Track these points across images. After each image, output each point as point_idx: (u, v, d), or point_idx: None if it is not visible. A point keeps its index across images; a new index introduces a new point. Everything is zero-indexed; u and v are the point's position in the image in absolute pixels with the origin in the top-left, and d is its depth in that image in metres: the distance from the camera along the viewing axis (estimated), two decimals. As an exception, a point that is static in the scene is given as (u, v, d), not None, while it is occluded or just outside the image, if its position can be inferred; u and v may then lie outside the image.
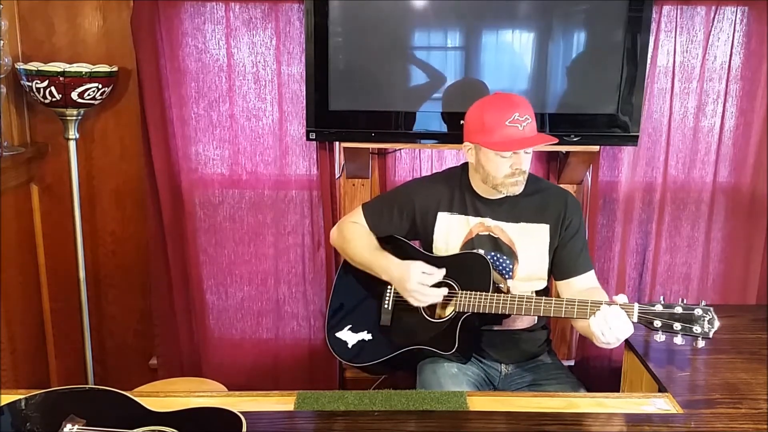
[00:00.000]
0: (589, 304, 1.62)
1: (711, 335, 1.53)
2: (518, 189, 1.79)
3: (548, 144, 1.77)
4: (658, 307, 1.56)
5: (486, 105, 1.78)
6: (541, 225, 1.85)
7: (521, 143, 1.72)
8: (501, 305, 1.73)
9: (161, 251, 2.48)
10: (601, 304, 1.59)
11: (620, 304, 1.58)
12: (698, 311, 1.54)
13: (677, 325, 1.54)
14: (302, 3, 2.22)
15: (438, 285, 1.82)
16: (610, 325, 1.56)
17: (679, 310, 1.55)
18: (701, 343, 1.55)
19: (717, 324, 1.54)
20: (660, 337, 1.56)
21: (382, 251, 1.90)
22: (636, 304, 1.58)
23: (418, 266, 1.80)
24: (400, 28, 2.20)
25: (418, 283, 1.77)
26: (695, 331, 1.53)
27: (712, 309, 1.54)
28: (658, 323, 1.55)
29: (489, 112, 1.74)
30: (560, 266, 1.86)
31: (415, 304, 1.80)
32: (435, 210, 1.90)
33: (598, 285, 1.85)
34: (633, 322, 1.57)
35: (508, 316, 1.85)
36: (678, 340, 1.55)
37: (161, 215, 2.44)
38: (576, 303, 1.64)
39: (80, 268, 2.49)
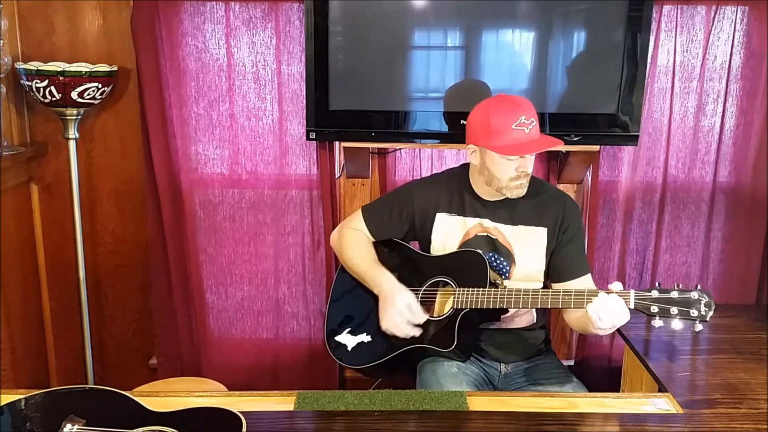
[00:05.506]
0: (585, 294, 1.63)
1: (708, 318, 1.54)
2: (522, 192, 1.79)
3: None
4: (654, 293, 1.57)
5: (492, 108, 1.76)
6: (539, 228, 1.85)
7: (529, 147, 1.72)
8: (498, 300, 1.73)
9: (161, 251, 2.48)
10: (598, 292, 1.60)
11: (616, 292, 1.59)
12: (694, 294, 1.55)
13: (674, 310, 1.55)
14: (302, 3, 2.21)
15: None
16: (608, 311, 1.56)
17: (675, 294, 1.56)
18: (699, 327, 1.56)
19: (714, 307, 1.54)
20: (657, 322, 1.57)
21: (378, 265, 1.89)
22: (632, 291, 1.59)
23: (406, 298, 1.78)
24: (400, 28, 2.20)
25: (398, 313, 1.76)
26: (692, 315, 1.54)
27: (708, 292, 1.55)
28: (654, 308, 1.56)
29: (495, 115, 1.72)
30: (557, 269, 1.86)
31: (387, 331, 1.78)
32: (434, 211, 1.89)
33: (596, 288, 1.84)
34: (630, 309, 1.58)
35: (506, 311, 1.85)
36: (676, 324, 1.55)
37: (161, 215, 2.43)
38: (573, 293, 1.65)
39: (80, 267, 2.49)
